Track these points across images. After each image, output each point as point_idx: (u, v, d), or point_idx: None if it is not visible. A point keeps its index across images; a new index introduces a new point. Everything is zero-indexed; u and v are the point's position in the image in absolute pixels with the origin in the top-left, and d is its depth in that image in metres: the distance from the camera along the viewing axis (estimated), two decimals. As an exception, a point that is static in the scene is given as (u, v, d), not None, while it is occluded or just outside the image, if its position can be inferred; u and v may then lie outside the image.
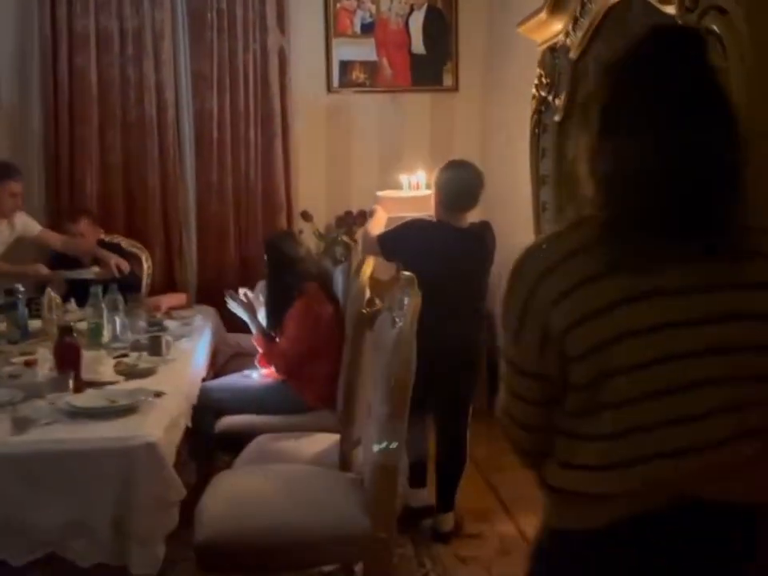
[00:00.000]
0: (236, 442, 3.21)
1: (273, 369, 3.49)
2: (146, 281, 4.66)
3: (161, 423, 2.33)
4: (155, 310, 3.95)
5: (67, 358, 2.55)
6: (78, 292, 3.85)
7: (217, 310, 4.28)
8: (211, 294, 4.58)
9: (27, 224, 4.26)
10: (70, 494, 2.09)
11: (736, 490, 1.17)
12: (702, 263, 1.15)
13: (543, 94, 2.96)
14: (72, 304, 3.81)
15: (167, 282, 4.90)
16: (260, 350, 3.53)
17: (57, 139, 4.82)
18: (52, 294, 3.42)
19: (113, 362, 2.85)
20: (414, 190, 4.09)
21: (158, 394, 2.54)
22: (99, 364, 2.73)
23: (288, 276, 3.44)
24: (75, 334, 2.69)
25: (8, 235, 4.18)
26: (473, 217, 3.38)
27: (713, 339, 1.15)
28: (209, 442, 3.35)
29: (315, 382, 3.35)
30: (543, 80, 2.89)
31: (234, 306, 3.67)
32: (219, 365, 4.25)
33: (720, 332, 1.15)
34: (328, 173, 5.14)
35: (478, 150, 4.92)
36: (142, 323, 3.58)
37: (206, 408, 3.31)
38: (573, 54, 2.65)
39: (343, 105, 5.13)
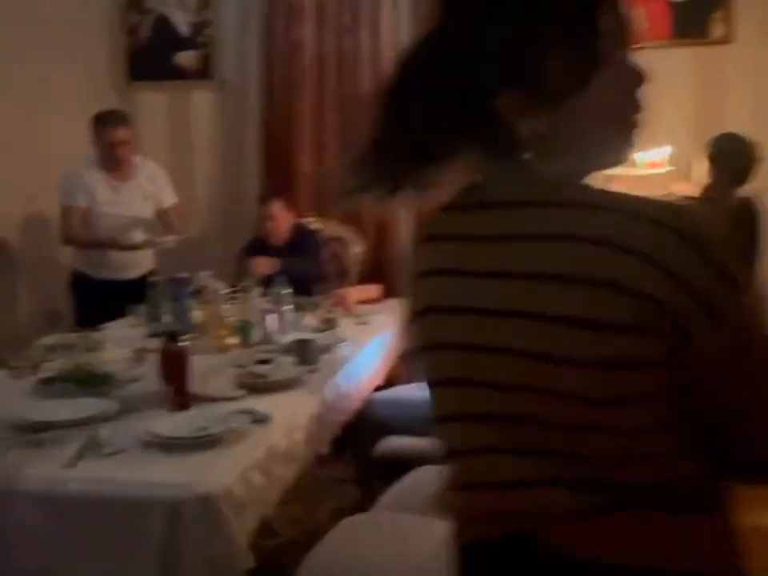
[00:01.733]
0: (404, 467, 2.66)
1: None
2: (354, 269, 4.31)
3: (241, 463, 1.84)
4: (340, 305, 3.49)
5: (170, 369, 2.16)
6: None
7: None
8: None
9: (164, 190, 3.93)
10: (107, 549, 1.68)
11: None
12: None
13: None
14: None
15: (379, 272, 4.48)
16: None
17: (273, 116, 4.62)
18: (215, 284, 3.08)
19: (237, 372, 2.41)
20: (650, 168, 3.29)
21: (259, 420, 2.05)
22: (217, 375, 2.31)
23: None
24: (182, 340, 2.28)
25: (149, 188, 3.85)
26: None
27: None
28: (367, 467, 2.84)
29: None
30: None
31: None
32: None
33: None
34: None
35: (753, 115, 3.90)
36: (312, 321, 3.14)
37: (366, 426, 2.81)
38: None
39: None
